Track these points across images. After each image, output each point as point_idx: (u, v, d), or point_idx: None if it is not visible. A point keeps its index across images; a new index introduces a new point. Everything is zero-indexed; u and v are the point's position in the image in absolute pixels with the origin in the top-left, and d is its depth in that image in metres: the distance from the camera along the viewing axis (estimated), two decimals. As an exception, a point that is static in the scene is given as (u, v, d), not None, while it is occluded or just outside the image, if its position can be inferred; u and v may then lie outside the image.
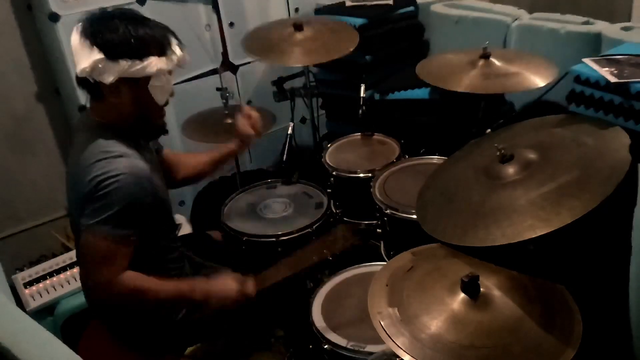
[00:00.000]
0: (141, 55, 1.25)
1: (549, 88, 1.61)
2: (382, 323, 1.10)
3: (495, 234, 1.17)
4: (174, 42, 1.31)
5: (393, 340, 1.06)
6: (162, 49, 1.28)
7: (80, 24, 1.27)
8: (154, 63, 1.26)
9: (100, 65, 1.22)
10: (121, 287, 1.25)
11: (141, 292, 1.29)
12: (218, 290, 1.39)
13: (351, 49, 2.08)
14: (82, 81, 1.30)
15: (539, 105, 1.78)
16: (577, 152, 1.25)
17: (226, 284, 1.41)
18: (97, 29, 1.24)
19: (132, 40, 1.24)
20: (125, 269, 1.26)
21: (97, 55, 1.22)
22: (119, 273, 1.25)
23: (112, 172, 1.22)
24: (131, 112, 1.33)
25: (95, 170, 1.23)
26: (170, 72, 1.32)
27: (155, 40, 1.28)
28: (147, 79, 1.28)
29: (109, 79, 1.23)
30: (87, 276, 1.28)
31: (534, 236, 1.11)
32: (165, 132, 1.43)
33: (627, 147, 1.20)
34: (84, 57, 1.23)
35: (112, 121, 1.33)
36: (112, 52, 1.22)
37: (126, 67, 1.23)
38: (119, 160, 1.25)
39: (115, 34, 1.24)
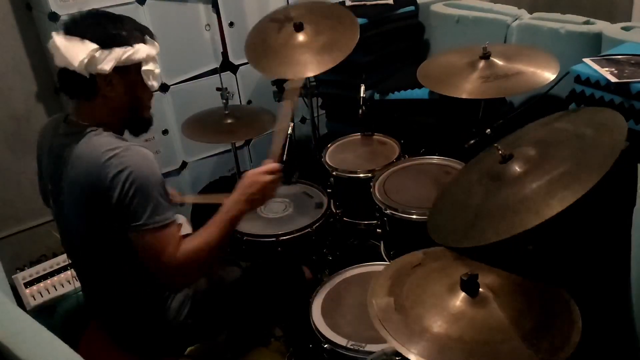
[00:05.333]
0: (131, 42, 1.28)
1: (549, 88, 1.61)
2: (375, 308, 1.12)
3: (488, 232, 1.18)
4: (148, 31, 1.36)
5: (382, 324, 1.08)
6: (145, 37, 1.33)
7: (61, 28, 1.28)
8: (142, 49, 1.30)
9: (96, 55, 1.24)
10: (186, 258, 1.26)
11: (200, 251, 1.29)
12: (244, 194, 1.38)
13: (353, 44, 2.03)
14: (73, 80, 1.28)
15: (539, 105, 1.78)
16: (576, 144, 1.25)
17: (245, 186, 1.39)
18: (83, 26, 1.27)
19: (120, 30, 1.28)
20: (180, 241, 1.28)
21: (92, 45, 1.24)
22: (178, 248, 1.26)
23: (127, 170, 1.21)
24: (123, 105, 1.33)
25: (109, 174, 1.20)
26: (155, 59, 1.35)
27: (138, 28, 1.32)
28: (138, 65, 1.31)
29: (106, 67, 1.25)
30: (152, 266, 1.27)
31: (522, 230, 1.11)
32: (151, 124, 1.45)
33: (623, 130, 1.19)
34: (77, 51, 1.23)
35: (101, 120, 1.31)
36: (105, 42, 1.25)
37: (120, 54, 1.26)
38: (127, 154, 1.23)
39: (103, 26, 1.27)
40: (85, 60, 1.23)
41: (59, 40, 1.25)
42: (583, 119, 1.35)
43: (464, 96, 1.64)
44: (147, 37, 1.34)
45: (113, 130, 1.32)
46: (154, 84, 1.35)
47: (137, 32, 1.31)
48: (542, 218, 1.09)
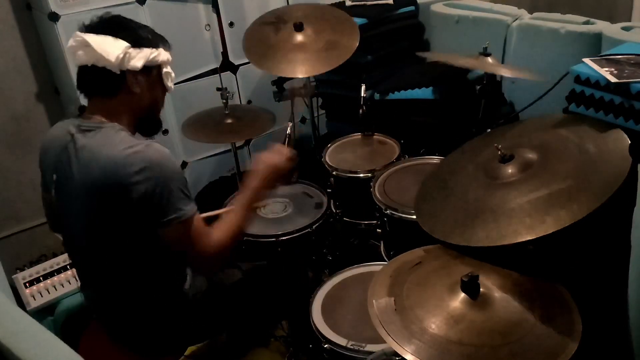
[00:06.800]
0: (156, 45, 1.37)
1: (549, 88, 1.61)
2: (375, 308, 1.12)
3: (479, 235, 1.18)
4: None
5: (382, 326, 1.08)
6: (164, 42, 1.42)
7: (85, 27, 1.32)
8: (164, 53, 1.39)
9: (130, 52, 1.30)
10: (221, 243, 1.34)
11: (232, 233, 1.37)
12: (266, 177, 1.45)
13: (354, 46, 2.04)
14: (101, 76, 1.29)
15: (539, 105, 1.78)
16: (578, 159, 1.24)
17: (265, 165, 1.46)
18: (112, 26, 1.33)
19: (147, 33, 1.37)
20: (211, 229, 1.35)
21: (125, 43, 1.30)
22: (211, 234, 1.33)
23: (150, 167, 1.22)
24: (143, 104, 1.38)
25: (131, 171, 1.21)
26: (170, 64, 1.44)
27: (158, 36, 1.41)
28: (159, 67, 1.39)
29: (138, 64, 1.31)
30: (189, 256, 1.34)
31: (514, 242, 1.12)
32: (161, 126, 1.50)
33: (627, 157, 1.19)
34: (112, 48, 1.28)
35: (119, 117, 1.33)
36: (135, 41, 1.32)
37: (149, 53, 1.34)
38: (148, 151, 1.24)
39: (131, 28, 1.35)
40: (121, 56, 1.28)
41: (90, 37, 1.28)
42: (587, 131, 1.34)
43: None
44: (166, 44, 1.42)
45: (127, 130, 1.34)
46: (171, 85, 1.44)
47: (159, 36, 1.40)
48: (534, 234, 1.10)
